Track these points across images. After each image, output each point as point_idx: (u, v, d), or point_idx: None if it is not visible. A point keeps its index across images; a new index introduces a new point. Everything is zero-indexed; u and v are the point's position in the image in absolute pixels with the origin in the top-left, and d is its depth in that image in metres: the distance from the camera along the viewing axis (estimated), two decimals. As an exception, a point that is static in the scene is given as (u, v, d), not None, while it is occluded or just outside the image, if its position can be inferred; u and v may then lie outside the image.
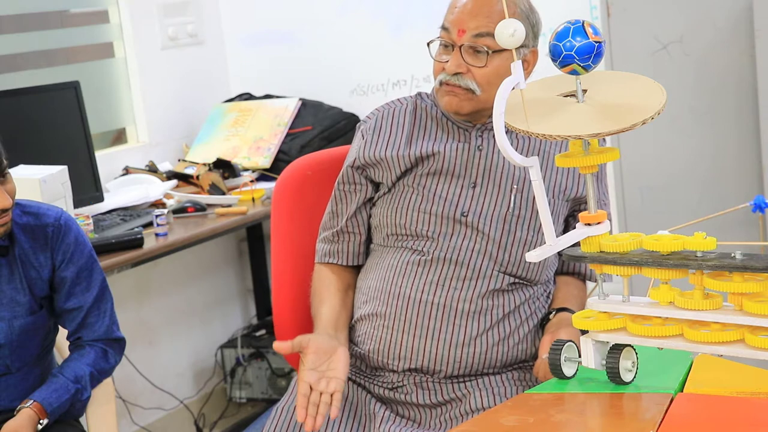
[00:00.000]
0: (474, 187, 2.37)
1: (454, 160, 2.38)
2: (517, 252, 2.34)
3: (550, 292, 2.43)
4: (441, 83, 2.37)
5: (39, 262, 2.38)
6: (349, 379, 2.37)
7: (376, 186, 2.46)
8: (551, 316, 2.35)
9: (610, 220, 2.42)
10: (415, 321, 2.31)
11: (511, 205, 2.35)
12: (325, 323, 2.37)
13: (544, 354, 2.24)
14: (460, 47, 2.33)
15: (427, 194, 2.37)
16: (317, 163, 2.72)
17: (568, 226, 2.43)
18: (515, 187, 2.36)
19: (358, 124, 2.53)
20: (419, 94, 2.50)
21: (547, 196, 2.38)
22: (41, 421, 2.34)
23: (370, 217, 2.47)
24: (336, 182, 2.51)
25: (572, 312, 2.32)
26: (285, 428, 2.26)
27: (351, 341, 2.41)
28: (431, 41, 2.40)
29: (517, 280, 2.35)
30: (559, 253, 1.82)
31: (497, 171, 2.38)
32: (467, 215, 2.34)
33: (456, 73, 2.34)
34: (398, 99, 2.51)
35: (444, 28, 2.37)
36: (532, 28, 2.37)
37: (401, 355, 2.32)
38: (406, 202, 2.38)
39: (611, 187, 3.66)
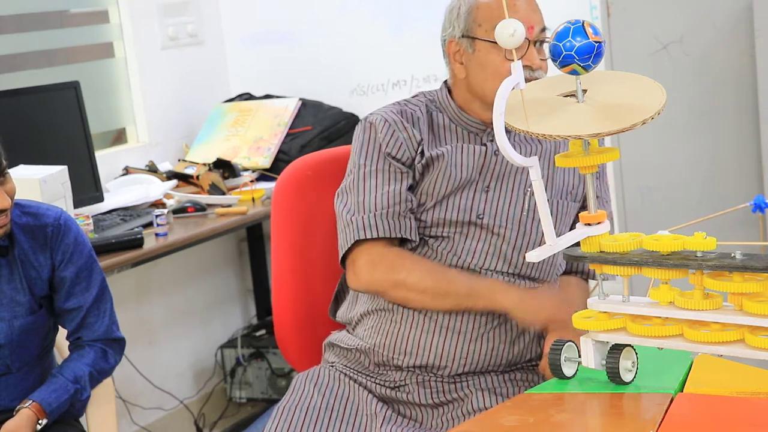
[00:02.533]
0: (487, 191, 2.36)
1: (471, 165, 2.36)
2: None
3: (555, 293, 2.43)
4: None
5: (39, 262, 2.38)
6: (350, 377, 2.37)
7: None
8: None
9: (612, 219, 2.42)
10: (422, 317, 2.31)
11: (526, 206, 2.35)
12: (480, 280, 2.31)
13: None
14: (535, 42, 2.31)
15: (442, 201, 2.35)
16: (317, 163, 2.72)
17: (574, 227, 2.43)
18: (529, 189, 2.36)
19: (367, 119, 2.41)
20: (431, 100, 2.43)
21: (555, 196, 2.38)
22: (40, 422, 2.34)
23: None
24: (360, 171, 2.38)
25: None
26: (286, 428, 2.26)
27: (356, 336, 2.42)
28: (479, 39, 2.32)
29: (528, 282, 2.35)
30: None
31: (511, 174, 2.37)
32: (483, 217, 2.34)
33: (533, 69, 2.30)
34: (407, 101, 2.43)
35: None
36: None
37: (407, 350, 2.32)
38: (421, 208, 2.37)
39: (611, 187, 3.66)
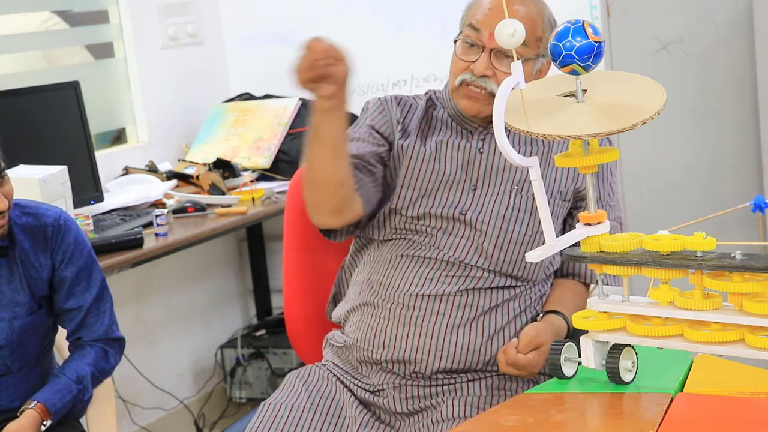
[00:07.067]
0: (474, 189, 2.38)
1: (454, 161, 2.38)
2: (513, 251, 2.35)
3: (544, 293, 2.43)
4: (462, 83, 2.36)
5: (39, 263, 2.38)
6: (337, 378, 2.39)
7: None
8: (538, 318, 2.35)
9: (621, 224, 2.42)
10: (400, 310, 2.33)
11: (511, 204, 2.36)
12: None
13: (514, 340, 2.26)
14: (491, 50, 2.32)
15: (427, 196, 2.37)
16: None
17: (566, 226, 2.44)
18: (515, 187, 2.37)
19: (368, 101, 2.50)
20: (430, 97, 2.48)
21: (546, 195, 2.38)
22: (44, 423, 2.34)
23: (383, 176, 2.41)
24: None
25: (560, 314, 2.33)
26: (269, 425, 2.27)
27: (345, 333, 2.44)
28: (457, 38, 2.37)
29: (509, 279, 2.35)
30: (561, 255, 1.82)
31: (498, 173, 2.38)
32: (466, 213, 2.35)
33: (482, 76, 2.33)
34: (413, 96, 2.49)
35: (472, 27, 2.33)
36: None
37: (385, 343, 2.33)
38: (406, 203, 2.38)
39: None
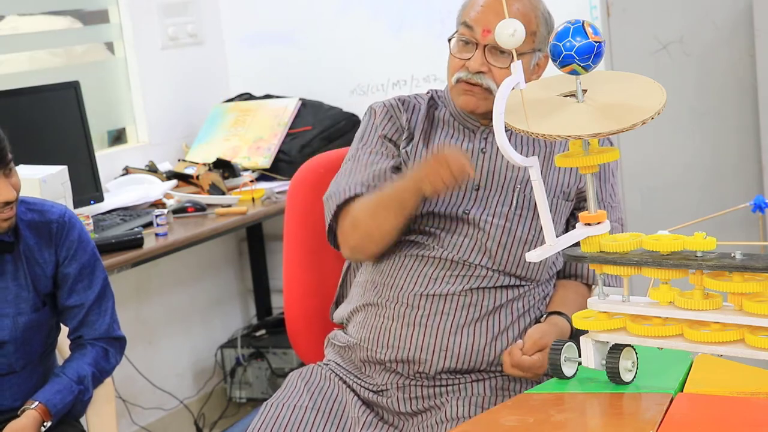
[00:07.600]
0: (477, 189, 2.38)
1: None
2: (517, 250, 2.35)
3: (548, 294, 2.43)
4: (458, 80, 2.37)
5: (44, 259, 2.39)
6: (340, 377, 2.39)
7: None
8: (542, 318, 2.36)
9: (623, 226, 2.42)
10: (404, 310, 2.33)
11: (514, 203, 2.36)
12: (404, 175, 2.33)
13: (519, 341, 2.26)
14: (484, 47, 2.33)
15: (431, 199, 2.37)
16: (330, 161, 2.75)
17: (569, 226, 2.44)
18: (518, 187, 2.37)
19: (372, 106, 2.50)
20: (432, 96, 2.49)
21: (549, 195, 2.38)
22: (44, 424, 2.34)
23: None
24: (356, 153, 2.45)
25: (564, 315, 2.33)
26: (272, 425, 2.27)
27: (348, 333, 2.44)
28: (452, 37, 2.39)
29: (513, 279, 2.35)
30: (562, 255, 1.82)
31: (501, 172, 2.38)
32: (469, 213, 2.36)
33: (477, 72, 2.33)
34: (414, 96, 2.50)
35: (466, 25, 2.35)
36: (549, 33, 2.38)
37: (390, 343, 2.33)
38: None
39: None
